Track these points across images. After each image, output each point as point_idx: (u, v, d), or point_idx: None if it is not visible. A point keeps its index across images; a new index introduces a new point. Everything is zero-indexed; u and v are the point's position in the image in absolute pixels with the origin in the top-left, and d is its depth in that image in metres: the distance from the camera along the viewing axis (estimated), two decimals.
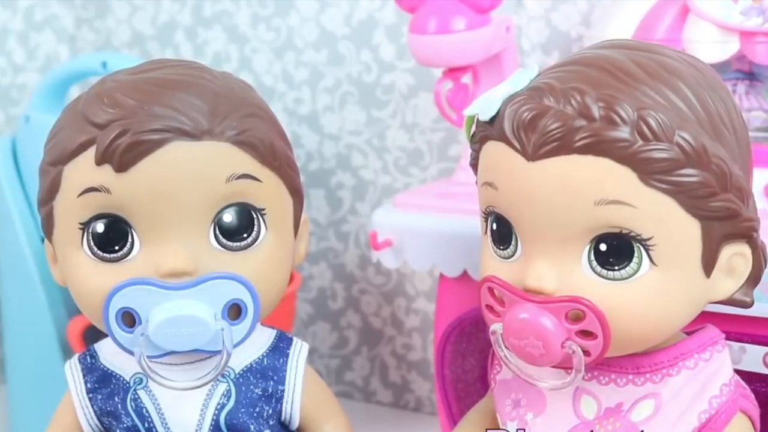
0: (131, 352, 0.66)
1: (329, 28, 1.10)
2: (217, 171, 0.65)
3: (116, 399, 0.70)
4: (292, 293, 1.05)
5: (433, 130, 1.07)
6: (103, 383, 0.71)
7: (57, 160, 0.67)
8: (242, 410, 0.70)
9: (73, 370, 0.72)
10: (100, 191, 0.65)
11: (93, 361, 0.72)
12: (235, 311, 0.67)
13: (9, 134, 1.08)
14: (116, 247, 0.66)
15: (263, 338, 0.72)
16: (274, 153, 0.67)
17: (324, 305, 1.16)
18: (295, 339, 0.73)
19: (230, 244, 0.67)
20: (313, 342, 1.17)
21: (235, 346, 0.67)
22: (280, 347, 0.72)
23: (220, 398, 0.69)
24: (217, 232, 0.66)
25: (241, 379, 0.70)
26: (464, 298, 0.84)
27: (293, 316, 1.09)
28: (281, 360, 0.71)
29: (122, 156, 0.64)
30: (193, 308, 0.65)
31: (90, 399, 0.71)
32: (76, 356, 0.73)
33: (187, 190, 0.65)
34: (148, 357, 0.66)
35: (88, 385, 0.71)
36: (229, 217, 0.66)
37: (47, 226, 0.69)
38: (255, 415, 0.70)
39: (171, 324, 0.65)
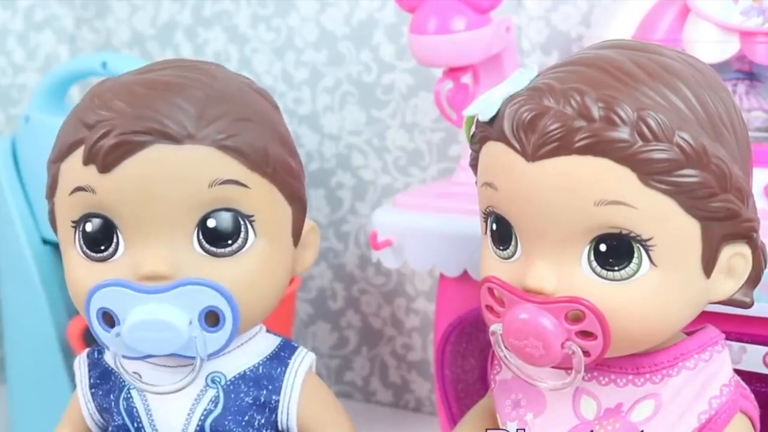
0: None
1: (329, 28, 1.10)
2: (199, 175, 0.65)
3: (111, 396, 0.71)
4: (292, 294, 1.05)
5: (433, 130, 1.07)
6: (103, 379, 0.72)
7: (55, 157, 0.68)
8: (229, 417, 0.69)
9: (81, 365, 0.73)
10: (86, 191, 0.65)
11: (99, 357, 0.73)
12: (213, 318, 0.66)
13: (9, 134, 1.08)
14: (102, 247, 0.67)
15: (263, 346, 0.71)
16: (266, 159, 0.66)
17: (324, 305, 1.16)
18: (299, 349, 0.72)
19: (214, 249, 0.66)
20: (313, 342, 1.17)
21: (216, 353, 0.67)
22: (280, 356, 0.71)
23: (208, 404, 0.69)
24: (201, 237, 0.66)
25: (231, 387, 0.69)
26: (464, 298, 0.84)
27: (293, 316, 1.09)
28: (279, 369, 0.70)
29: (105, 156, 0.64)
30: (165, 313, 0.64)
31: (92, 394, 0.72)
32: (86, 351, 0.74)
33: (168, 194, 0.65)
34: (130, 357, 0.66)
35: (91, 380, 0.72)
36: (213, 222, 0.66)
37: (52, 222, 0.70)
38: (243, 423, 0.69)
39: (142, 327, 0.65)
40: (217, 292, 0.65)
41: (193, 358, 0.66)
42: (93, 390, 0.72)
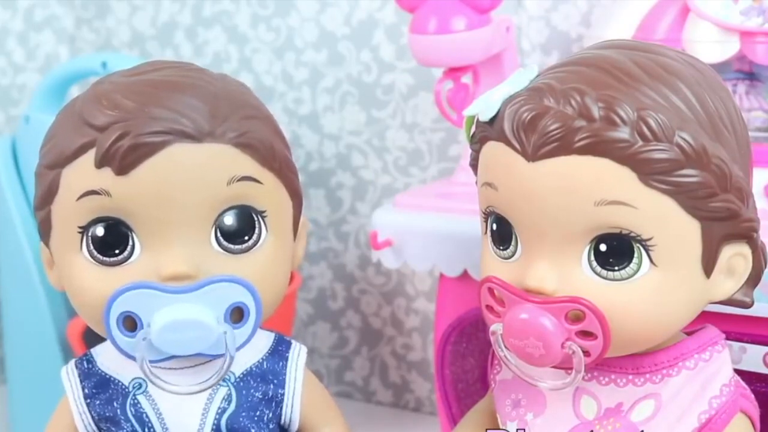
0: (133, 357, 0.66)
1: (329, 28, 1.10)
2: (218, 173, 0.65)
3: (115, 404, 0.70)
4: (292, 293, 1.05)
5: (433, 130, 1.07)
6: (101, 388, 0.70)
7: (55, 163, 0.66)
8: (243, 414, 0.69)
9: (70, 376, 0.71)
10: (100, 194, 0.64)
11: (90, 366, 0.71)
12: (237, 314, 0.66)
13: (9, 134, 1.08)
14: (116, 251, 0.66)
15: (262, 342, 0.71)
16: (273, 155, 0.67)
17: (324, 305, 1.16)
18: (293, 342, 0.72)
19: (231, 246, 0.66)
20: (313, 342, 1.17)
21: (238, 349, 0.66)
22: (279, 350, 0.71)
23: (221, 402, 0.69)
24: (219, 234, 0.66)
25: (241, 383, 0.69)
26: (464, 298, 0.84)
27: (293, 316, 1.09)
28: (281, 363, 0.71)
29: (123, 159, 0.63)
30: (196, 312, 0.64)
31: (88, 404, 0.70)
32: (73, 361, 0.72)
33: (188, 193, 0.64)
34: (150, 361, 0.66)
35: (86, 391, 0.71)
36: (230, 219, 0.66)
37: (44, 230, 0.68)
38: (255, 419, 0.69)
39: (173, 328, 0.64)
40: (244, 288, 0.65)
41: (216, 356, 0.66)
42: (89, 400, 0.70)
